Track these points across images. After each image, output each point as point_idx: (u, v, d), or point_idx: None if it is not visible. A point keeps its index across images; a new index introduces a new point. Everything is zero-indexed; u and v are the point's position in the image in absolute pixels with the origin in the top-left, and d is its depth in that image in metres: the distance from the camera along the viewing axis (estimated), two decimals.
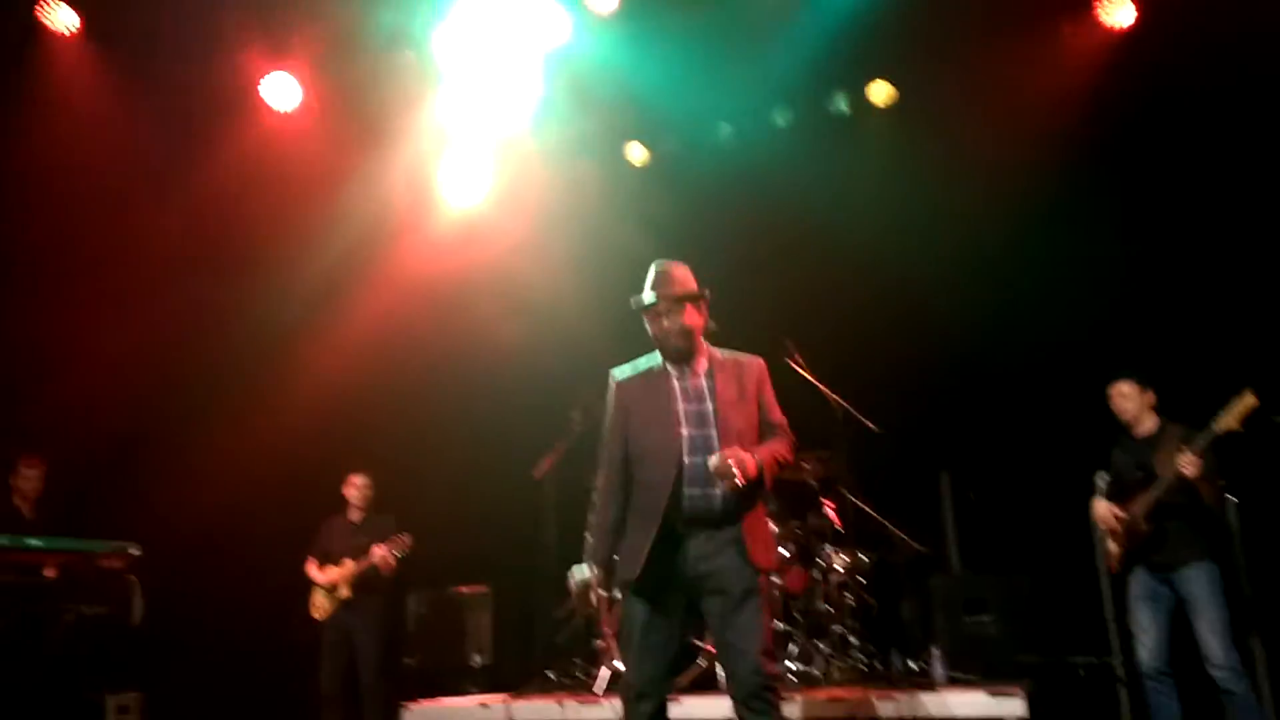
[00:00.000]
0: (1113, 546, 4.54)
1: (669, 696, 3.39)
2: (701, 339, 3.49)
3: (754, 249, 6.67)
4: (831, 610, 5.47)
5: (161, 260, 6.39)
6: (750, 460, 3.18)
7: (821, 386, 5.51)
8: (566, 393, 6.14)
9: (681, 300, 3.41)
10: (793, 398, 5.81)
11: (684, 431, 3.33)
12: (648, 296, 3.44)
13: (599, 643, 5.57)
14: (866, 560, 5.60)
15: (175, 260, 6.46)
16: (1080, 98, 5.98)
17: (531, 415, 6.72)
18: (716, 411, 3.35)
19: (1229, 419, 4.11)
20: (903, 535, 5.62)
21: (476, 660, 6.63)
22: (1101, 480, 4.68)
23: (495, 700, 5.33)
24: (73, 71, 6.13)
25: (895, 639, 5.62)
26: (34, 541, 4.96)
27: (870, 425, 5.47)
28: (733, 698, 3.26)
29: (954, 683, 4.90)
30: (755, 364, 3.54)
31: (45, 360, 5.97)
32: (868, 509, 5.64)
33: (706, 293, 3.50)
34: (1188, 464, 4.15)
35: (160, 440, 6.35)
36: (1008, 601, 5.48)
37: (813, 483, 5.74)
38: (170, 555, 5.61)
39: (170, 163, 6.34)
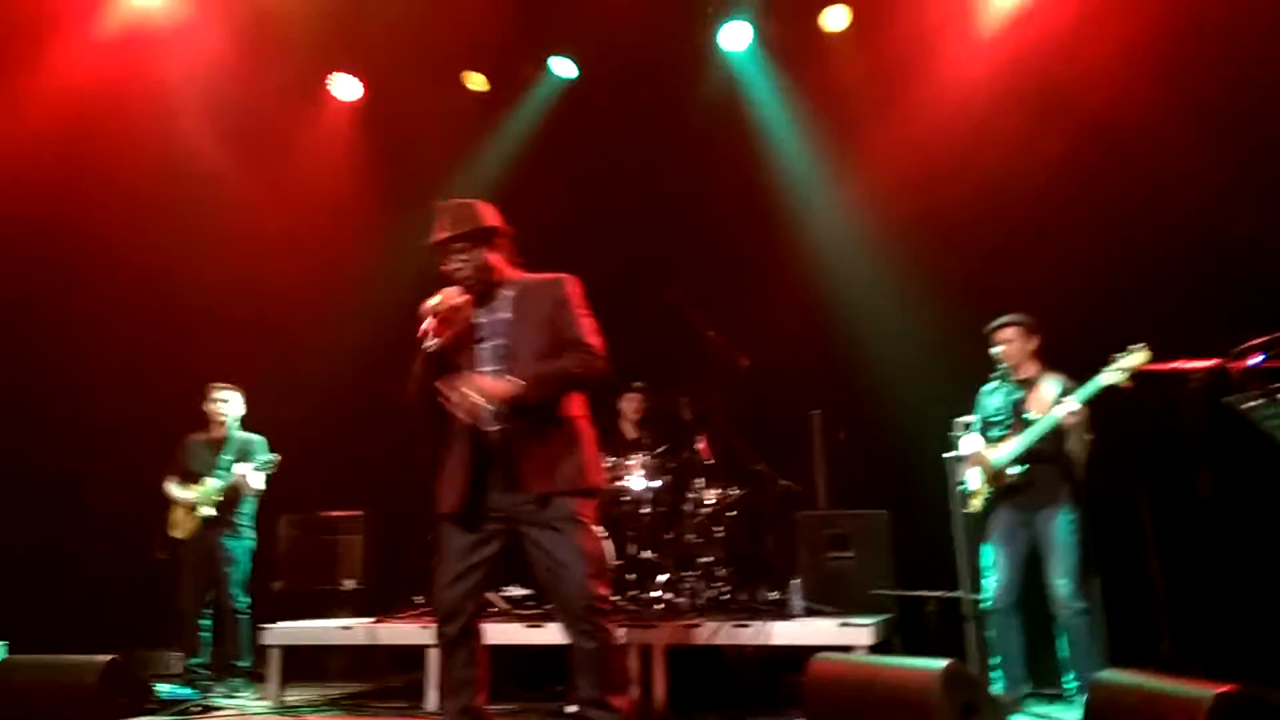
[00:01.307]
0: (979, 484, 4.71)
1: (478, 620, 3.39)
2: (503, 270, 3.48)
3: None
4: (700, 542, 5.59)
5: None
6: (498, 387, 3.18)
7: (695, 320, 5.54)
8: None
9: (462, 240, 3.41)
10: (669, 332, 5.95)
11: (479, 369, 3.35)
12: (432, 239, 3.45)
13: None
14: (736, 494, 5.73)
15: None
16: None
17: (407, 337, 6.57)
18: (511, 348, 3.35)
19: (1119, 373, 4.13)
20: (771, 471, 5.74)
21: (347, 585, 6.57)
22: (961, 427, 4.85)
23: (358, 622, 5.29)
24: None
25: (760, 572, 5.79)
26: None
27: (742, 360, 5.54)
28: (563, 620, 3.34)
29: (810, 614, 5.07)
30: (558, 284, 3.48)
31: None
32: (738, 444, 5.74)
33: (499, 226, 3.49)
34: (1069, 413, 4.27)
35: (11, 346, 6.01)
36: (867, 538, 5.68)
37: (687, 416, 5.80)
38: (20, 468, 5.37)
39: None
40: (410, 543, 6.25)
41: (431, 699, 4.90)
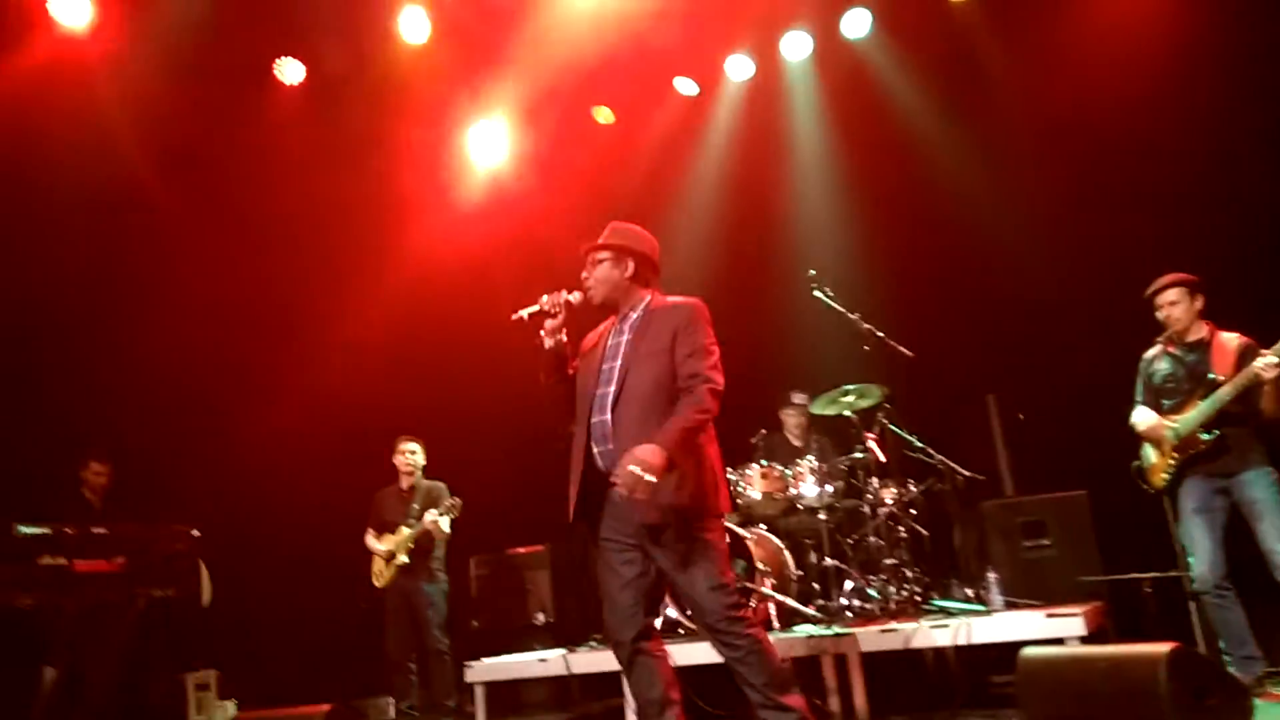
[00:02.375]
0: (1157, 459, 4.37)
1: (648, 641, 3.37)
2: (635, 293, 3.51)
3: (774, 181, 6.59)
4: (883, 544, 5.41)
5: (196, 241, 6.53)
6: (653, 460, 3.09)
7: (851, 315, 5.40)
8: None
9: (601, 253, 3.49)
10: (824, 331, 5.84)
11: (597, 390, 3.40)
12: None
13: None
14: (915, 490, 5.52)
15: (209, 242, 6.59)
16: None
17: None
18: (623, 371, 3.36)
19: None
20: (949, 462, 5.50)
21: (539, 618, 6.75)
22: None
23: (554, 654, 5.41)
24: None
25: (951, 568, 5.54)
26: (99, 530, 5.15)
27: (904, 351, 5.34)
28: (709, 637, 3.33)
29: (1011, 607, 4.80)
30: (681, 310, 3.44)
31: (97, 356, 6.17)
32: (911, 438, 5.53)
33: (641, 250, 3.52)
34: (1269, 364, 3.96)
35: (213, 423, 6.55)
36: (1065, 522, 5.36)
37: (852, 415, 5.64)
38: (233, 535, 5.81)
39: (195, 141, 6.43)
40: (593, 571, 6.36)
41: None
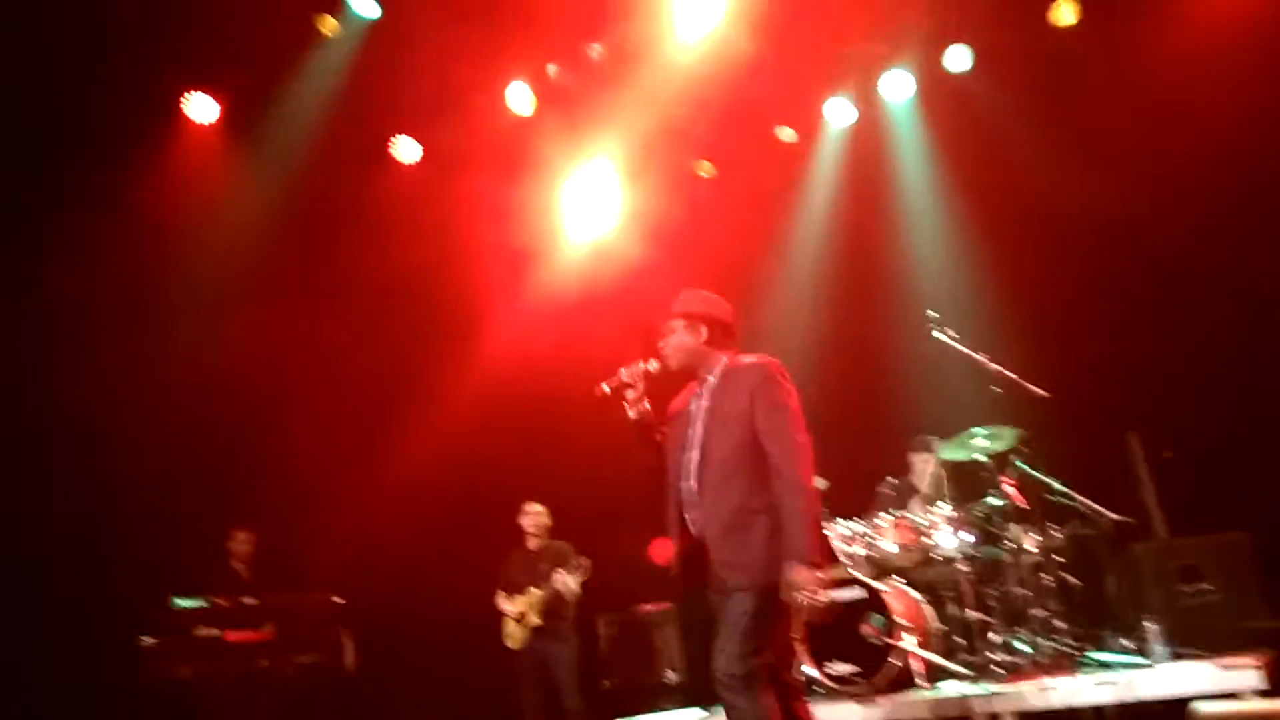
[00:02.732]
0: None
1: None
2: (710, 357, 3.54)
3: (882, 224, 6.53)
4: (1029, 594, 5.18)
5: (325, 317, 6.81)
6: (810, 578, 3.14)
7: (977, 356, 5.25)
8: None
9: (674, 321, 3.56)
10: (946, 374, 5.70)
11: (682, 456, 3.46)
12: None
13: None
14: (1059, 536, 5.29)
15: (336, 316, 6.85)
16: None
17: None
18: (705, 436, 3.42)
19: None
20: (1093, 505, 5.26)
21: (670, 677, 6.69)
22: None
23: (690, 714, 5.34)
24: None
25: (1104, 618, 5.28)
26: (249, 600, 5.36)
27: (1037, 391, 5.15)
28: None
29: (1176, 658, 4.54)
30: (752, 372, 3.46)
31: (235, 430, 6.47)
32: (1051, 481, 5.32)
33: (711, 314, 3.57)
34: None
35: (348, 493, 6.76)
36: (1226, 564, 5.04)
37: (986, 460, 5.46)
38: (371, 601, 5.96)
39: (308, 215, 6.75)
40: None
41: None
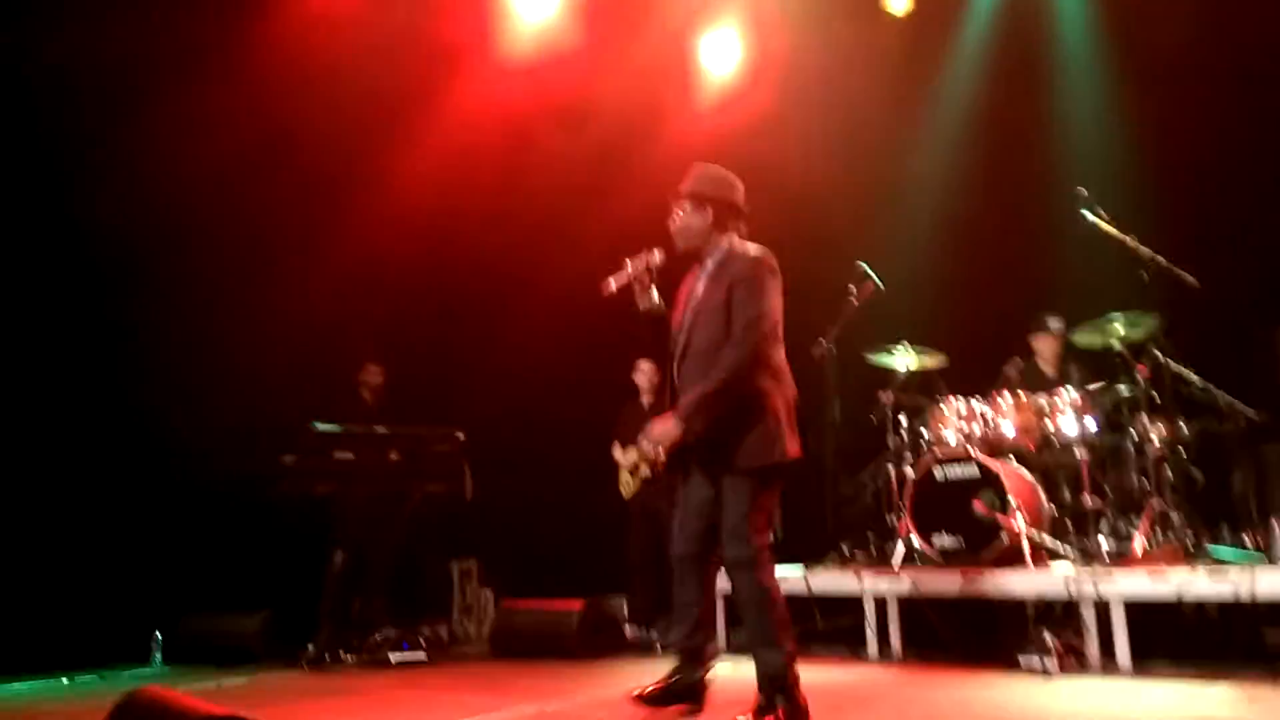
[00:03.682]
0: None
1: (702, 559, 3.52)
2: (712, 238, 3.54)
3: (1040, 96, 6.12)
4: (1148, 485, 5.09)
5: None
6: (666, 433, 3.34)
7: (1126, 239, 4.99)
8: (841, 272, 6.04)
9: (682, 199, 3.55)
10: (1088, 255, 5.44)
11: (678, 338, 3.53)
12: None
13: (892, 519, 5.58)
14: (1187, 430, 5.13)
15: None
16: None
17: (803, 298, 6.69)
18: (690, 324, 3.48)
19: None
20: (1231, 400, 5.05)
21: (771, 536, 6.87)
22: None
23: (793, 572, 5.52)
24: None
25: (1225, 515, 5.15)
26: (381, 429, 5.69)
27: (1188, 278, 4.89)
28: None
29: None
30: (742, 264, 3.46)
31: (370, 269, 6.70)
32: (1188, 373, 5.11)
33: (717, 195, 3.53)
34: None
35: (474, 337, 6.99)
36: None
37: (1120, 347, 5.27)
38: (494, 437, 6.25)
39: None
40: (831, 493, 6.39)
41: (872, 645, 5.00)
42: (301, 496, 5.65)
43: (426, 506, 5.97)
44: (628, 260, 3.57)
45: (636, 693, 3.49)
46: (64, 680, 5.05)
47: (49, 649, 5.20)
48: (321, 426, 5.56)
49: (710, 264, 3.53)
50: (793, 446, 3.41)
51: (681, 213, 3.56)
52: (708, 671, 3.57)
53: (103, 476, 5.78)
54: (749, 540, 3.34)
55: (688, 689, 3.52)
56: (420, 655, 5.25)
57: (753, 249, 3.52)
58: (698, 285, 3.54)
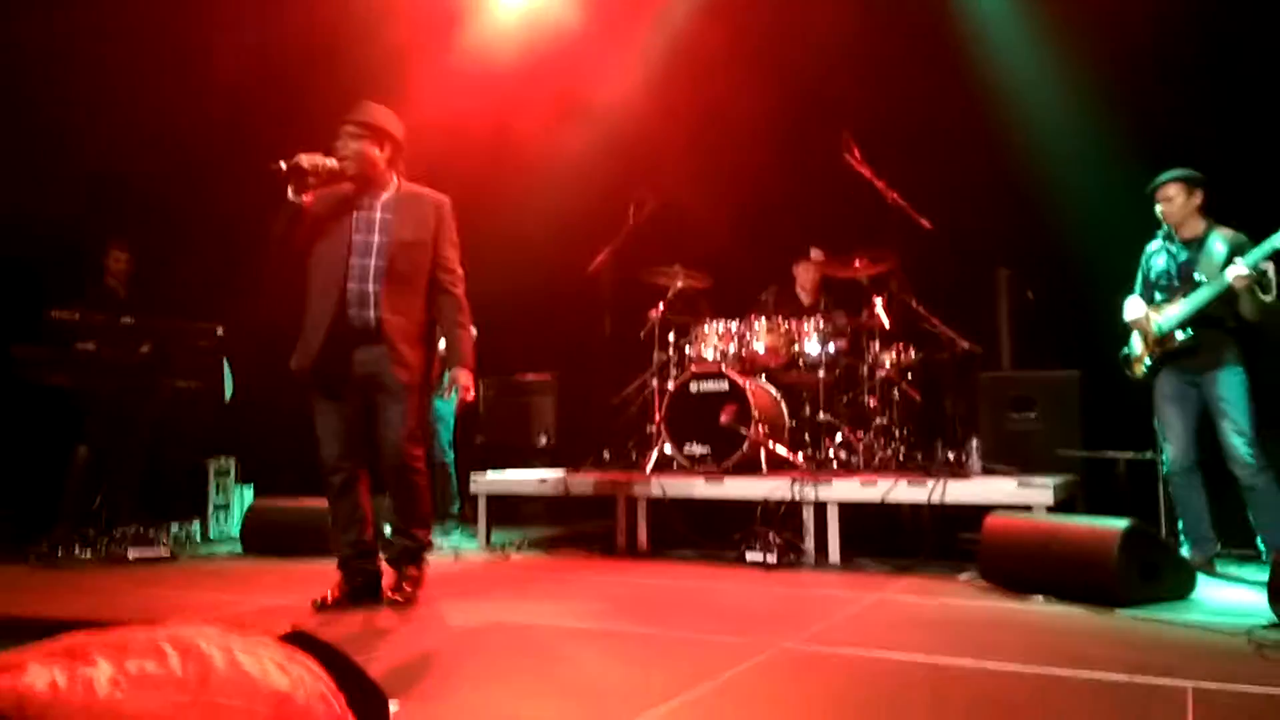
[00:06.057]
0: (1140, 349, 4.53)
1: (360, 470, 3.90)
2: (383, 172, 3.85)
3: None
4: (877, 404, 5.64)
5: None
6: (470, 379, 3.91)
7: (877, 183, 5.42)
8: (620, 190, 6.19)
9: (361, 129, 3.80)
10: (848, 193, 5.86)
11: (351, 258, 3.76)
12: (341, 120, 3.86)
13: (651, 428, 5.89)
14: (914, 357, 5.71)
15: None
16: None
17: (586, 212, 6.82)
18: (385, 248, 3.77)
19: None
20: (950, 332, 5.65)
21: (541, 441, 7.10)
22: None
23: (554, 474, 5.74)
24: None
25: (938, 433, 5.80)
26: (127, 320, 5.38)
27: (924, 223, 5.40)
28: (383, 474, 3.88)
29: (988, 474, 5.06)
30: (436, 203, 3.92)
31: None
32: (915, 306, 5.66)
33: (394, 134, 3.86)
34: (1238, 277, 4.05)
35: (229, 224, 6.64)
36: (1054, 399, 5.56)
37: (863, 280, 5.76)
38: (251, 336, 6.02)
39: None
40: (596, 403, 6.65)
41: (620, 543, 5.32)
42: (39, 388, 5.30)
43: (182, 403, 5.73)
44: (303, 154, 3.66)
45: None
46: None
47: None
48: (58, 313, 5.19)
49: (387, 194, 3.85)
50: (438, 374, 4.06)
51: (359, 141, 3.79)
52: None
53: None
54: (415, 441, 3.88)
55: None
56: (162, 551, 5.08)
57: (432, 192, 3.94)
58: (373, 212, 3.81)
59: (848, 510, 4.85)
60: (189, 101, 6.26)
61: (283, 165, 3.63)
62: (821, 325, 5.76)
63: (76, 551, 5.12)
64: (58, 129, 6.01)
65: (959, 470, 5.05)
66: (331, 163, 3.72)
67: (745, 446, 5.34)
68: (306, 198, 3.71)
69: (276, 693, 1.48)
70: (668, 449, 5.60)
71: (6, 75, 5.68)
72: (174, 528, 5.84)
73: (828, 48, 6.38)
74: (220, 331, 5.66)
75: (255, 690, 1.46)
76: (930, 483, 4.69)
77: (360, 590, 3.83)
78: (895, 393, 5.66)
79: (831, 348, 5.74)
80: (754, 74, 6.60)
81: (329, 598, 3.74)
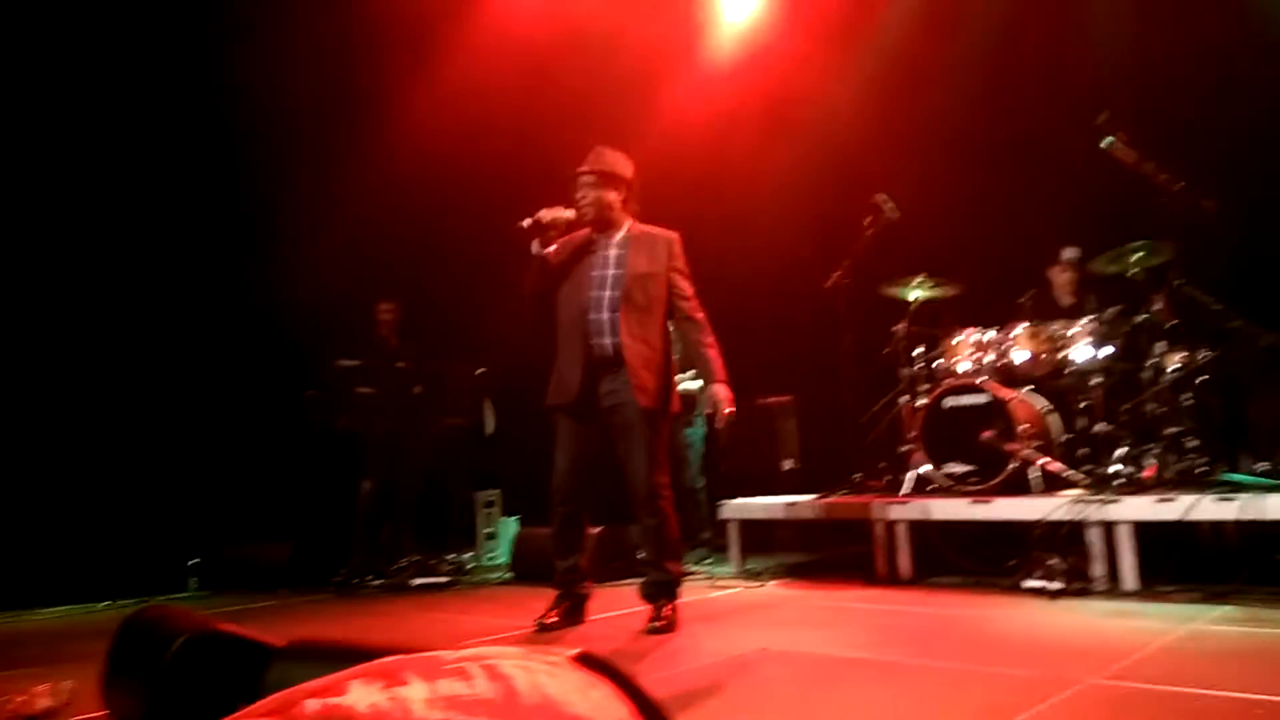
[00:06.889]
0: None
1: (586, 507, 4.14)
2: (618, 214, 4.07)
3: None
4: (1164, 411, 5.06)
5: None
6: (725, 393, 3.98)
7: (1147, 165, 4.90)
8: (851, 206, 6.01)
9: (597, 177, 4.01)
10: (1115, 180, 5.34)
11: (590, 292, 3.97)
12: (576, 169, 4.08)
13: (905, 448, 5.62)
14: (1206, 357, 5.08)
15: None
16: None
17: (820, 231, 6.68)
18: (623, 279, 3.96)
19: None
20: (1252, 327, 4.98)
21: (786, 465, 6.97)
22: None
23: (805, 498, 5.59)
24: None
25: (1241, 442, 5.12)
26: (401, 364, 5.83)
27: (1207, 202, 4.80)
28: (632, 504, 4.00)
29: None
30: (667, 238, 4.10)
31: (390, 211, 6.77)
32: (1206, 300, 5.04)
33: (626, 177, 4.08)
34: None
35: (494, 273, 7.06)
36: None
37: (1138, 274, 5.21)
38: (509, 375, 6.35)
39: None
40: (841, 424, 6.43)
41: (879, 569, 5.07)
42: (328, 430, 5.84)
43: (451, 439, 6.12)
44: (543, 210, 3.92)
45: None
46: (107, 604, 5.31)
47: (94, 580, 5.46)
48: (343, 362, 5.71)
49: (621, 234, 4.06)
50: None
51: (594, 189, 4.00)
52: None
53: (143, 417, 6.02)
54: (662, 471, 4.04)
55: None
56: (440, 579, 5.42)
57: (662, 229, 4.11)
58: (608, 250, 4.03)
59: (1142, 533, 4.36)
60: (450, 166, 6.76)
61: (525, 223, 3.91)
62: (1090, 328, 5.26)
63: (368, 580, 5.56)
64: (324, 195, 6.67)
65: (1275, 485, 4.41)
66: (569, 213, 3.98)
67: (1015, 463, 4.95)
68: (550, 249, 3.98)
69: (578, 717, 1.47)
70: (926, 469, 5.31)
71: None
72: (450, 556, 6.23)
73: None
74: (480, 371, 6.01)
75: (559, 713, 1.46)
76: (1241, 497, 4.13)
77: (571, 611, 4.08)
78: (1186, 398, 5.05)
79: (1102, 353, 5.23)
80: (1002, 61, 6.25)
81: (549, 618, 3.99)
